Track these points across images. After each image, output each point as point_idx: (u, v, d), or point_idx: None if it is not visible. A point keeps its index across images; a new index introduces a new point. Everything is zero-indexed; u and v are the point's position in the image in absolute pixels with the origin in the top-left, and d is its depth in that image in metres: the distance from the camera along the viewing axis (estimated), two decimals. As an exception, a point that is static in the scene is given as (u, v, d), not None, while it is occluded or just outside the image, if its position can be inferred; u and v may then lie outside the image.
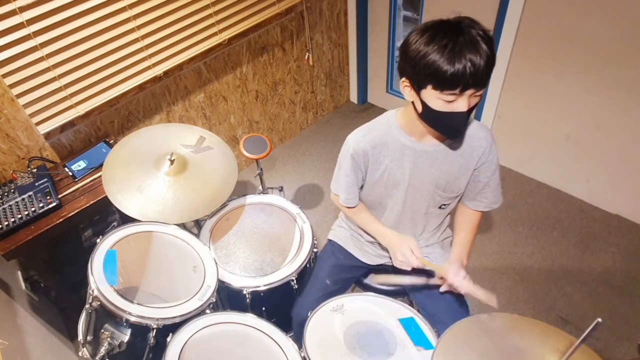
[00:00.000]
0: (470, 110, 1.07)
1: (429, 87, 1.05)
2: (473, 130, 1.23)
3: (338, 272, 1.53)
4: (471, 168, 1.28)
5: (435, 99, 1.06)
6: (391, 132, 1.26)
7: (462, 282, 1.27)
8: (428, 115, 1.12)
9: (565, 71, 2.18)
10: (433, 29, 1.03)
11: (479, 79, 1.01)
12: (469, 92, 1.03)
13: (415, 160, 1.26)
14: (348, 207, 1.43)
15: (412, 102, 1.15)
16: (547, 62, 2.21)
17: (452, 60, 0.98)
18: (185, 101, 2.36)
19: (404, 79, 1.12)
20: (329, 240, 1.63)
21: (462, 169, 1.28)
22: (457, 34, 1.00)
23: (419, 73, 1.05)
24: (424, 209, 1.37)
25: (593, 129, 2.25)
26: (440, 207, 1.38)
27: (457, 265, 1.33)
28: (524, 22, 2.18)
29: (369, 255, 1.55)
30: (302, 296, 1.50)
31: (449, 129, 1.15)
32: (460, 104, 1.05)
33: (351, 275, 1.57)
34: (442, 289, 1.34)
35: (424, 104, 1.09)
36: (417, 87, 1.09)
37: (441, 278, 1.35)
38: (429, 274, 1.38)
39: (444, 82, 1.01)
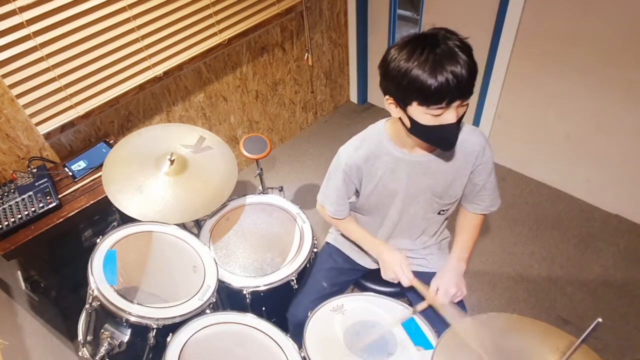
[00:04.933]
0: (459, 120, 1.07)
1: (415, 104, 1.04)
2: (465, 135, 1.22)
3: (336, 276, 1.53)
4: (467, 173, 1.27)
5: (423, 114, 1.05)
6: (382, 143, 1.25)
7: (452, 290, 1.28)
8: (417, 131, 1.11)
9: (565, 71, 2.18)
10: (410, 44, 1.02)
11: (463, 90, 1.00)
12: (456, 103, 1.02)
13: (409, 171, 1.26)
14: (337, 219, 1.43)
15: (400, 118, 1.14)
16: (547, 62, 2.21)
17: (433, 74, 0.97)
18: (185, 101, 2.36)
19: (387, 97, 1.11)
20: (327, 243, 1.64)
21: (457, 175, 1.27)
22: (434, 46, 0.99)
23: (403, 90, 1.04)
24: (421, 215, 1.37)
25: (593, 129, 2.25)
26: (439, 213, 1.38)
27: (450, 273, 1.32)
28: (524, 22, 2.18)
29: (366, 259, 1.55)
30: (298, 297, 1.50)
31: (441, 141, 1.13)
32: (449, 116, 1.04)
33: (349, 278, 1.57)
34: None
35: (411, 120, 1.09)
36: (403, 104, 1.08)
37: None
38: (413, 302, 1.38)
39: (429, 98, 1.00)
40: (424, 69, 0.98)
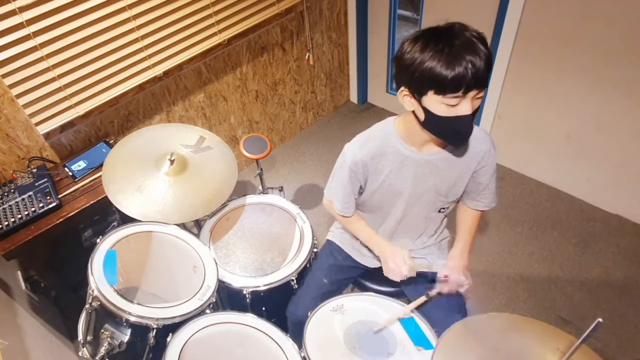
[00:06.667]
0: (474, 113, 1.07)
1: (430, 93, 1.04)
2: (473, 134, 1.22)
3: (336, 273, 1.53)
4: (470, 172, 1.28)
5: (438, 104, 1.05)
6: (390, 141, 1.25)
7: (462, 276, 1.30)
8: (431, 123, 1.10)
9: (565, 71, 2.18)
10: (425, 36, 1.02)
11: (480, 79, 1.00)
12: (472, 93, 1.02)
13: (416, 169, 1.26)
14: (344, 217, 1.43)
15: (413, 111, 1.14)
16: (547, 62, 2.21)
17: (451, 63, 0.97)
18: (185, 101, 2.36)
19: (402, 88, 1.11)
20: (328, 241, 1.64)
21: (462, 174, 1.28)
22: (451, 38, 0.99)
23: (418, 80, 1.04)
24: (424, 214, 1.37)
25: (593, 129, 2.25)
26: (439, 211, 1.38)
27: (456, 261, 1.35)
28: (524, 22, 2.18)
29: (366, 258, 1.55)
30: (298, 295, 1.50)
31: (455, 134, 1.13)
32: (464, 107, 1.04)
33: (349, 275, 1.58)
34: (445, 290, 1.34)
35: (426, 111, 1.08)
36: (418, 94, 1.07)
37: (444, 278, 1.34)
38: (427, 288, 1.38)
39: (446, 86, 1.00)
40: (439, 58, 0.98)
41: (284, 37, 2.60)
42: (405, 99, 1.12)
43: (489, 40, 2.31)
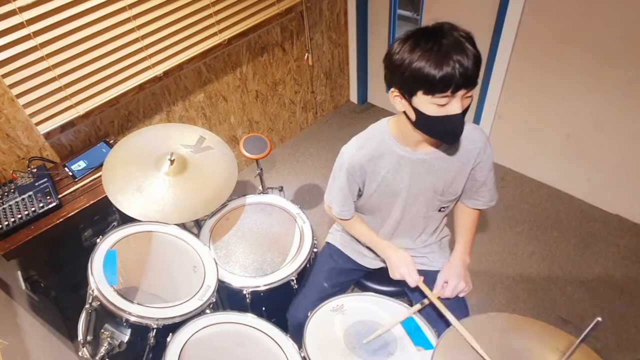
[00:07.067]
0: (464, 112, 1.07)
1: (420, 93, 1.05)
2: (466, 133, 1.22)
3: (336, 276, 1.53)
4: (468, 170, 1.28)
5: (428, 104, 1.05)
6: (385, 142, 1.25)
7: (462, 282, 1.29)
8: (422, 123, 1.11)
9: (566, 71, 2.18)
10: (414, 36, 1.03)
11: (469, 79, 1.01)
12: (461, 92, 1.03)
13: (412, 169, 1.26)
14: (343, 220, 1.43)
15: (404, 112, 1.14)
16: (547, 62, 2.21)
17: (440, 63, 0.98)
18: (185, 101, 2.36)
19: (392, 89, 1.12)
20: (327, 244, 1.63)
21: (459, 172, 1.28)
22: (440, 37, 1.00)
23: (407, 80, 1.04)
24: (423, 213, 1.37)
25: (593, 129, 2.25)
26: (439, 210, 1.38)
27: (457, 266, 1.34)
28: (524, 22, 2.18)
29: (367, 259, 1.55)
30: (299, 298, 1.50)
31: (446, 133, 1.13)
32: (454, 106, 1.04)
33: (349, 278, 1.57)
34: (445, 294, 1.34)
35: (417, 111, 1.09)
36: (408, 95, 1.08)
37: (444, 283, 1.35)
38: (414, 302, 1.38)
39: (435, 86, 1.01)
40: (428, 57, 0.99)
41: (284, 37, 2.60)
42: (396, 99, 1.13)
43: (488, 40, 2.34)
